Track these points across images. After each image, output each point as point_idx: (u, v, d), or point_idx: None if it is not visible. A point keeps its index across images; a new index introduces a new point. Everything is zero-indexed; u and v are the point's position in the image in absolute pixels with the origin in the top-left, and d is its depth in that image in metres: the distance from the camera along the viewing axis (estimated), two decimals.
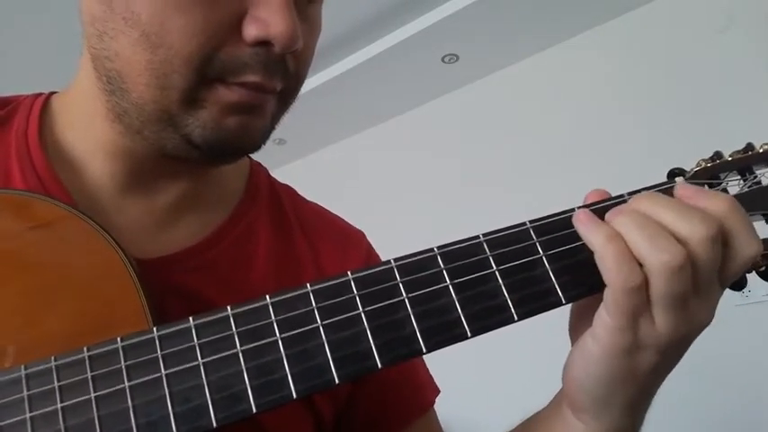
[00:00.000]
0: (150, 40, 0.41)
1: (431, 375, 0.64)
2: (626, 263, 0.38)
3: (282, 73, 0.45)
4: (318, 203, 0.65)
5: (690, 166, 0.47)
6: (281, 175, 0.65)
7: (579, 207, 0.43)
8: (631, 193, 0.43)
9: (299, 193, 0.64)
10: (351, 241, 0.61)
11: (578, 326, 0.45)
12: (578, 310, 0.45)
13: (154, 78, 0.42)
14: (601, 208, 0.42)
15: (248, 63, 0.43)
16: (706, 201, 0.41)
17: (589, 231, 0.40)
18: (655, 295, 0.38)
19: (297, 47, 0.43)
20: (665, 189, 0.44)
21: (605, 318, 0.39)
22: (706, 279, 0.39)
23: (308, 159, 3.12)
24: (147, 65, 0.42)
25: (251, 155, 0.62)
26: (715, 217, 0.40)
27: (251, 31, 0.42)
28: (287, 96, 0.48)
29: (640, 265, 0.38)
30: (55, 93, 0.55)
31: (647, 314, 0.39)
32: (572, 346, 0.44)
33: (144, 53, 0.42)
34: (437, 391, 0.63)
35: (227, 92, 0.43)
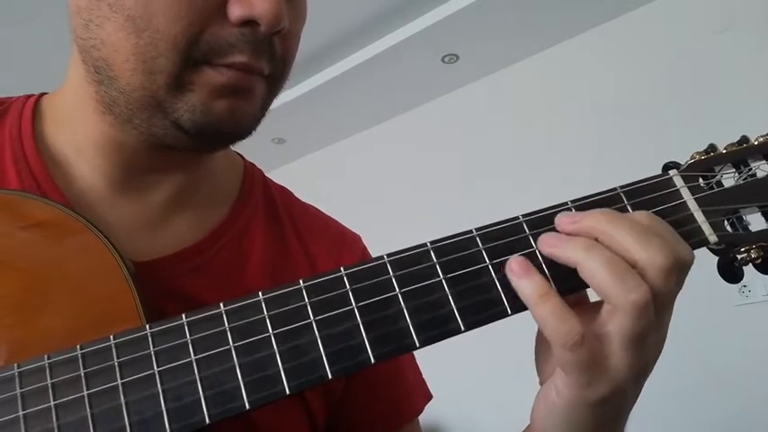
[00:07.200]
0: (136, 23, 0.41)
1: (423, 381, 0.63)
2: (564, 321, 0.36)
3: (269, 55, 0.45)
4: (315, 205, 0.64)
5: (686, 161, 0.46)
6: (280, 175, 0.65)
7: (561, 209, 0.42)
8: (623, 187, 0.43)
9: (296, 194, 0.64)
10: (346, 244, 0.61)
11: (542, 358, 0.44)
12: (541, 339, 0.43)
13: (140, 63, 0.42)
14: (588, 204, 0.42)
15: (234, 44, 0.42)
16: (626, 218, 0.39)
17: (521, 285, 0.38)
18: (619, 335, 0.37)
19: (282, 26, 0.43)
20: (661, 181, 0.43)
21: (562, 374, 0.38)
22: (666, 308, 0.39)
23: (308, 159, 3.12)
24: (133, 49, 0.42)
25: (248, 159, 0.62)
26: (668, 242, 0.38)
27: (236, 10, 0.42)
28: (275, 82, 0.48)
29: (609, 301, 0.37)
30: (45, 94, 0.55)
31: (604, 358, 0.37)
32: (539, 383, 0.43)
33: (130, 37, 0.42)
34: (428, 398, 0.62)
35: (215, 74, 0.43)
